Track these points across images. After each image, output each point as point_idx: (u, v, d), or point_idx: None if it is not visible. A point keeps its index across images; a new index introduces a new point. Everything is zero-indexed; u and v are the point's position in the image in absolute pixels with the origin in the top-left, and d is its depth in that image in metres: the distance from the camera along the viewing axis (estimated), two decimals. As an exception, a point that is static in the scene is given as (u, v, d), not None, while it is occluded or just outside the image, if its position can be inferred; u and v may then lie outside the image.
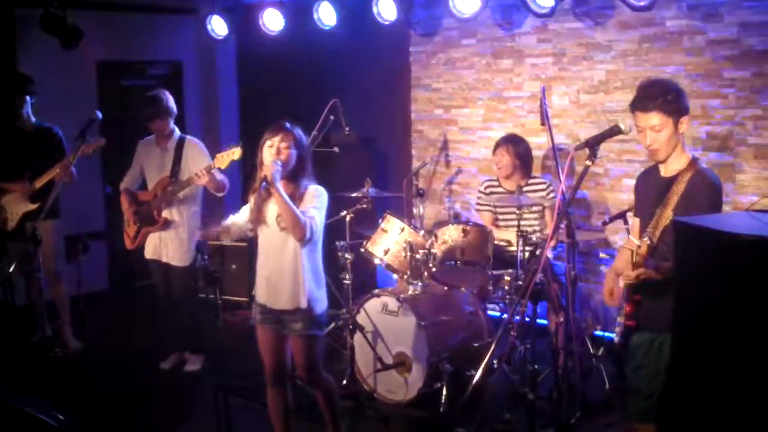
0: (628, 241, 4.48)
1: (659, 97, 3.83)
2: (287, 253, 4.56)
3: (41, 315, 7.12)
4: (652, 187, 3.98)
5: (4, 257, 6.98)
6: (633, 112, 3.93)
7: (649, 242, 3.63)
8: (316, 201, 4.54)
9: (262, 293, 4.70)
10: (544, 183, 6.56)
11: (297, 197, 4.53)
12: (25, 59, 7.93)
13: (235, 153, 5.60)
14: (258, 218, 4.61)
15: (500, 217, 6.61)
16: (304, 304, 4.56)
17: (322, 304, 4.68)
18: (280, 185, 4.40)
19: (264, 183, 4.43)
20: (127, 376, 6.56)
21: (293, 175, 4.54)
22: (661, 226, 3.73)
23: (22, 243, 6.60)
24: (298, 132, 4.59)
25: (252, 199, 4.63)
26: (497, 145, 6.61)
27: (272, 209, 4.54)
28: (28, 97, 6.87)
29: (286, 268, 4.57)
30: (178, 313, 6.58)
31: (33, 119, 6.92)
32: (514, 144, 6.56)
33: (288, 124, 4.58)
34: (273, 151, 4.48)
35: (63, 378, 6.50)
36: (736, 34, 6.13)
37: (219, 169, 5.87)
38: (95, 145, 6.63)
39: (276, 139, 4.50)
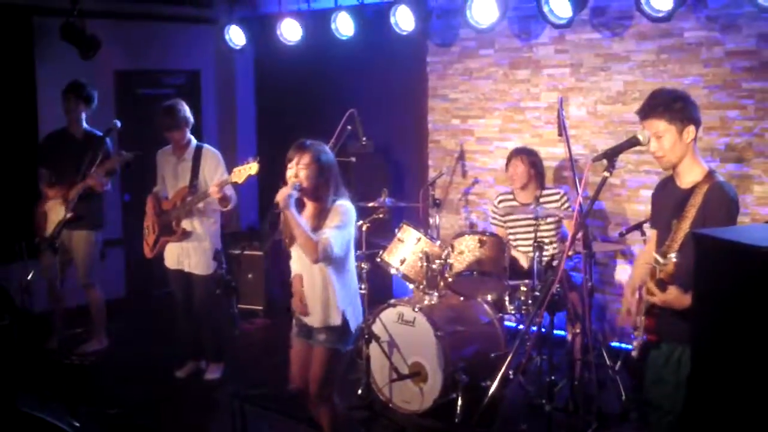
0: (642, 254, 4.47)
1: (662, 104, 3.84)
2: (316, 271, 4.59)
3: (57, 323, 7.21)
4: (668, 199, 3.97)
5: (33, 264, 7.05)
6: (641, 121, 3.94)
7: (675, 260, 3.58)
8: (338, 219, 4.50)
9: (296, 307, 4.73)
10: (559, 193, 6.55)
11: (323, 214, 4.52)
12: (43, 68, 8.00)
13: (252, 168, 5.56)
14: (287, 237, 4.62)
15: (514, 231, 6.59)
16: (336, 322, 4.59)
17: (354, 321, 4.70)
18: (293, 210, 4.39)
19: (275, 207, 4.44)
20: (144, 383, 6.56)
21: (316, 192, 4.52)
22: (679, 240, 3.71)
23: (53, 251, 6.69)
24: (318, 148, 4.55)
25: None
26: (510, 158, 6.60)
27: None
28: (83, 104, 6.98)
29: (316, 285, 4.60)
30: (197, 321, 6.60)
31: (84, 125, 7.03)
32: (527, 154, 6.56)
33: (307, 142, 4.55)
34: (292, 174, 4.47)
35: (79, 385, 6.54)
36: (755, 45, 6.10)
37: (236, 183, 5.87)
38: (124, 159, 6.76)
39: (294, 161, 4.49)
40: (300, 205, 4.53)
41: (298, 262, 4.67)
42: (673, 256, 3.58)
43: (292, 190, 4.39)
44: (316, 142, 4.60)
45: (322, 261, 4.48)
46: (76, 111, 6.98)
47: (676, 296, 3.61)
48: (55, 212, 6.86)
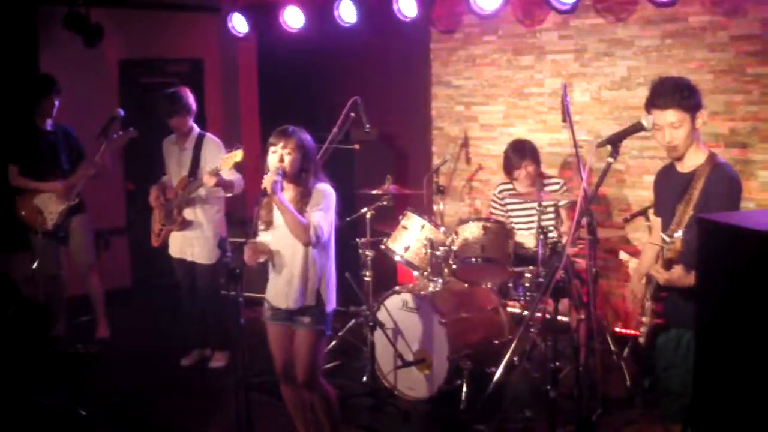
0: (648, 241, 4.46)
1: (675, 93, 3.83)
2: (297, 255, 4.60)
3: (60, 312, 7.22)
4: (671, 185, 3.97)
5: (30, 255, 7.05)
6: (649, 111, 3.92)
7: (682, 237, 3.59)
8: (322, 202, 4.56)
9: (273, 294, 4.75)
10: (559, 183, 6.51)
11: (304, 197, 4.57)
12: (47, 57, 7.98)
13: (237, 155, 5.57)
14: (267, 222, 4.68)
15: (516, 220, 6.57)
16: (311, 302, 4.62)
17: (331, 304, 4.73)
18: (280, 195, 4.45)
19: (264, 193, 4.49)
20: (149, 372, 6.59)
21: (298, 177, 4.56)
22: (684, 224, 3.71)
23: (55, 241, 6.70)
24: (300, 135, 4.58)
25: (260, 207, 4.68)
26: (515, 165, 6.43)
27: (279, 213, 4.57)
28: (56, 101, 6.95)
29: (296, 268, 4.61)
30: (202, 310, 6.61)
31: (50, 119, 6.97)
32: (528, 151, 6.47)
33: (290, 129, 4.59)
34: (276, 158, 4.51)
35: (85, 373, 6.56)
36: (760, 30, 6.07)
37: (221, 170, 5.89)
38: (126, 137, 6.74)
39: (279, 146, 4.52)
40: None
41: (280, 242, 4.66)
42: (679, 234, 3.58)
43: (277, 176, 4.44)
44: (298, 129, 4.63)
45: (314, 244, 4.52)
46: (53, 108, 6.93)
47: (680, 275, 3.62)
48: (52, 203, 6.85)
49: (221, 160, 5.76)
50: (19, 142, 6.97)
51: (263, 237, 4.76)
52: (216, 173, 5.95)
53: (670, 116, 3.83)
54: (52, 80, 6.94)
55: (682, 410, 3.83)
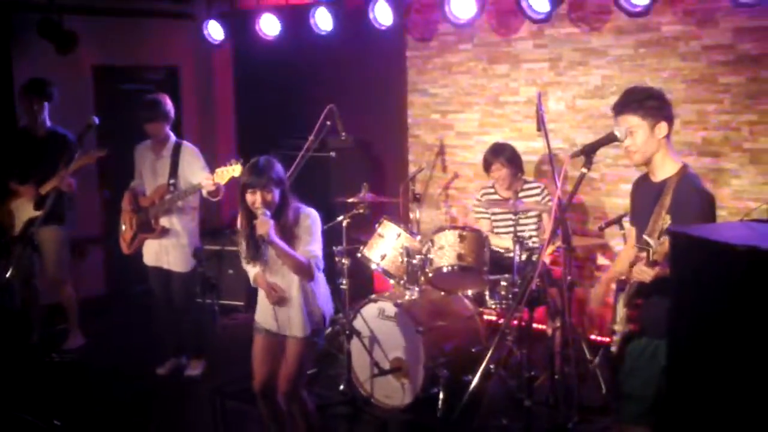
0: (624, 249, 4.50)
1: (635, 100, 3.90)
2: (293, 286, 4.66)
3: (35, 320, 7.18)
4: (646, 195, 4.01)
5: (5, 261, 6.99)
6: (615, 117, 3.99)
7: (669, 239, 3.63)
8: (311, 231, 4.60)
9: (267, 320, 4.76)
10: (539, 187, 6.57)
11: (289, 226, 4.57)
12: (21, 64, 7.93)
13: (236, 170, 5.60)
14: (251, 258, 4.67)
15: (497, 224, 6.62)
16: (320, 325, 4.74)
17: (328, 315, 4.84)
18: (277, 240, 4.44)
19: (262, 242, 4.47)
20: (124, 380, 6.55)
21: (280, 211, 4.55)
22: (658, 230, 3.75)
23: (24, 248, 6.63)
24: (272, 169, 4.55)
25: (242, 241, 4.68)
26: (489, 163, 6.56)
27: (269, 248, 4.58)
28: (46, 103, 6.90)
29: (295, 299, 4.65)
30: (178, 318, 6.59)
31: (48, 124, 6.97)
32: (503, 153, 6.54)
33: (260, 163, 4.55)
34: (258, 201, 4.47)
35: (60, 383, 6.51)
36: (731, 40, 6.14)
37: (219, 184, 5.90)
38: (96, 155, 6.68)
39: (256, 188, 4.48)
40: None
41: (276, 276, 4.68)
42: (666, 237, 3.62)
43: (269, 220, 4.42)
44: (266, 161, 4.59)
45: (315, 277, 4.61)
46: (37, 110, 6.90)
47: (662, 271, 3.66)
48: (24, 210, 6.81)
49: (216, 173, 5.79)
50: (5, 143, 7.07)
51: (249, 270, 4.77)
52: (210, 187, 5.95)
53: (627, 121, 3.91)
54: (31, 82, 6.95)
55: (639, 415, 3.89)
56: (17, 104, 6.92)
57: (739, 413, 2.65)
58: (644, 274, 3.73)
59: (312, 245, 4.56)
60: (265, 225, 4.40)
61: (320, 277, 4.77)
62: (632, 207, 4.24)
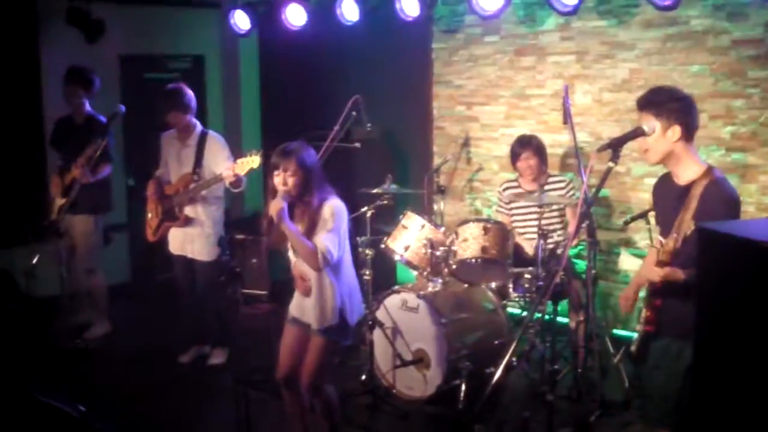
0: (650, 252, 4.48)
1: (654, 101, 3.88)
2: (312, 277, 4.61)
3: (61, 306, 7.23)
4: (668, 196, 3.97)
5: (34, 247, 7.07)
6: (638, 112, 3.98)
7: (675, 236, 3.61)
8: (331, 222, 4.49)
9: (294, 308, 4.79)
10: (564, 181, 6.54)
11: (311, 215, 4.52)
12: (48, 52, 7.98)
13: (255, 161, 5.61)
14: (273, 244, 4.70)
15: (517, 218, 6.58)
16: (333, 321, 4.63)
17: (352, 316, 4.73)
18: (288, 222, 4.42)
19: (271, 222, 4.48)
20: (148, 368, 6.60)
21: (302, 196, 4.51)
22: (682, 234, 3.71)
23: (57, 235, 6.74)
24: (300, 154, 4.50)
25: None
26: (518, 153, 6.54)
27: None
28: (87, 90, 7.00)
29: (314, 287, 4.61)
30: (201, 307, 6.62)
31: (87, 110, 7.04)
32: (535, 144, 6.53)
33: (290, 147, 4.53)
34: (280, 181, 4.48)
35: (84, 369, 6.57)
36: (762, 34, 6.08)
37: (238, 175, 5.90)
38: (98, 146, 6.74)
39: (280, 169, 4.49)
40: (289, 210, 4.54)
41: (303, 264, 4.67)
42: (674, 236, 3.60)
43: (282, 203, 4.41)
44: (298, 145, 4.56)
45: (323, 269, 4.52)
46: (75, 96, 6.97)
47: (671, 271, 3.63)
48: (58, 197, 6.90)
49: (237, 164, 5.78)
50: (53, 131, 7.25)
51: (291, 257, 4.77)
52: (230, 178, 5.96)
53: (644, 119, 3.89)
54: (74, 71, 7.03)
55: (664, 415, 3.87)
56: (44, 91, 6.95)
57: (766, 416, 2.62)
58: (653, 273, 3.71)
59: (326, 235, 4.46)
60: (276, 206, 4.39)
61: (345, 274, 4.70)
62: (655, 207, 4.22)
